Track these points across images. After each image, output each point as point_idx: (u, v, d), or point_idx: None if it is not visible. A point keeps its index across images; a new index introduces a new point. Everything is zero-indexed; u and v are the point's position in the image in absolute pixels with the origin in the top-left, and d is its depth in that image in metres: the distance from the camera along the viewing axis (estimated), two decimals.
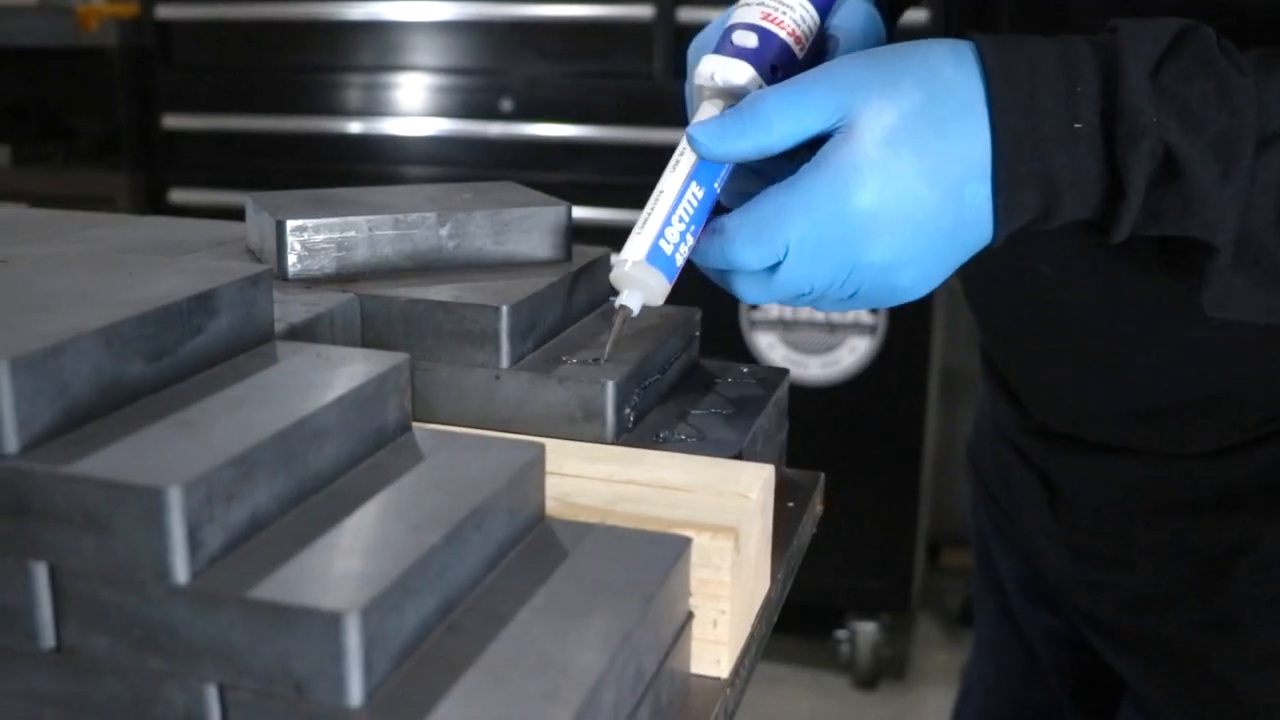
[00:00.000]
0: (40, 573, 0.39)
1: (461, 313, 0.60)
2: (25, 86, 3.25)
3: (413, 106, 2.64)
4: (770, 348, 2.34)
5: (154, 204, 2.84)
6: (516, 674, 0.39)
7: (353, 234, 0.64)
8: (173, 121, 2.77)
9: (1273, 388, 0.74)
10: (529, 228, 0.68)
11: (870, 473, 2.39)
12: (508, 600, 0.43)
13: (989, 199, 0.58)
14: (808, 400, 2.37)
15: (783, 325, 2.32)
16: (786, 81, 0.59)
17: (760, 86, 0.61)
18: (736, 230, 0.58)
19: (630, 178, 2.46)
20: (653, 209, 0.59)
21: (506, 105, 2.56)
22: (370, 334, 0.61)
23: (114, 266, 0.50)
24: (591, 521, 0.50)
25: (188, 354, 0.46)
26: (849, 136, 0.57)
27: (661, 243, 0.59)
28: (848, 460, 2.39)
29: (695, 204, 0.59)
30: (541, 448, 0.49)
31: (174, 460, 0.39)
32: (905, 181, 0.57)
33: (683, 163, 0.60)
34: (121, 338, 0.43)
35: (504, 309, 0.59)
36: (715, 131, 0.59)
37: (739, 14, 0.63)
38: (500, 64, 2.58)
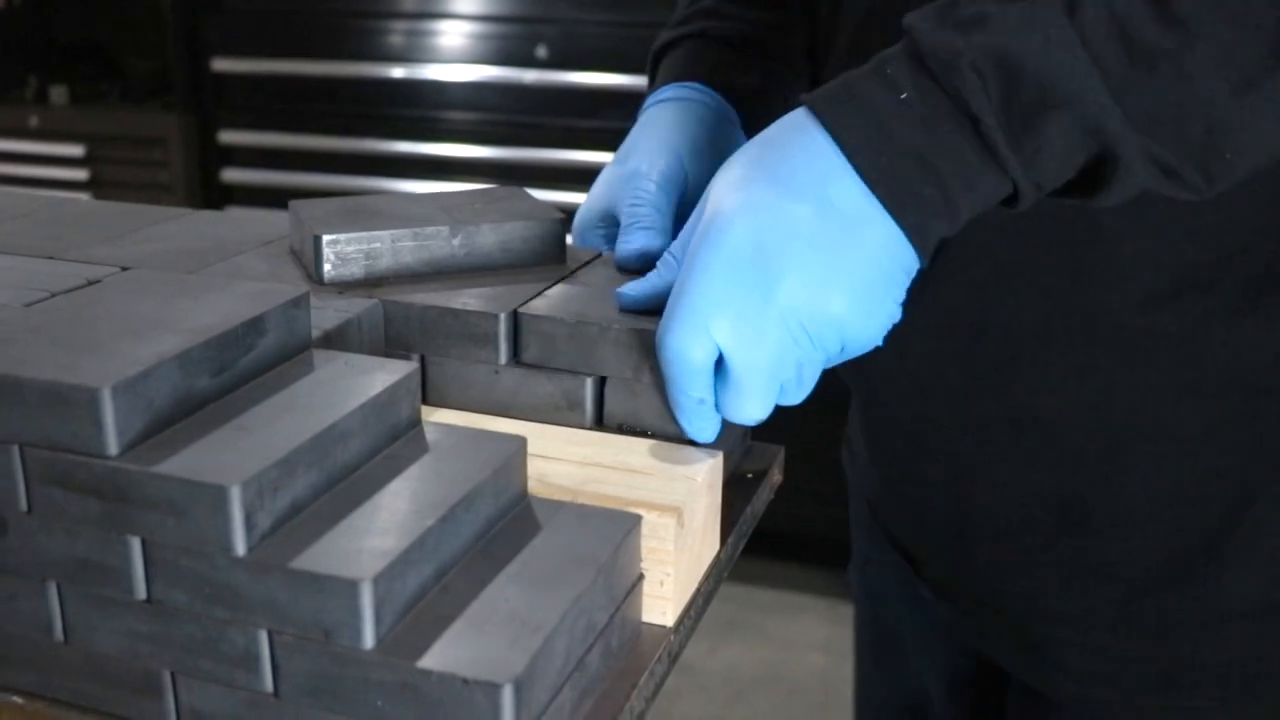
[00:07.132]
0: (135, 545, 0.51)
1: (467, 318, 0.71)
2: (82, 29, 3.37)
3: (452, 53, 2.73)
4: None
5: (203, 144, 2.97)
6: (491, 626, 0.51)
7: (378, 245, 0.76)
8: (221, 64, 2.88)
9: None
10: (529, 237, 0.79)
11: None
12: (489, 567, 0.55)
13: (864, 195, 0.60)
14: None
15: None
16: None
17: None
18: (663, 329, 0.64)
19: None
20: None
21: (542, 53, 2.65)
22: (392, 334, 0.73)
23: (182, 290, 0.62)
24: (564, 500, 0.62)
25: (242, 367, 0.58)
26: (705, 204, 0.64)
27: None
28: None
29: None
30: (523, 441, 0.61)
31: (234, 461, 0.51)
32: (768, 205, 0.60)
33: None
34: (192, 360, 0.55)
35: (501, 316, 0.71)
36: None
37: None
38: (536, 12, 2.66)
